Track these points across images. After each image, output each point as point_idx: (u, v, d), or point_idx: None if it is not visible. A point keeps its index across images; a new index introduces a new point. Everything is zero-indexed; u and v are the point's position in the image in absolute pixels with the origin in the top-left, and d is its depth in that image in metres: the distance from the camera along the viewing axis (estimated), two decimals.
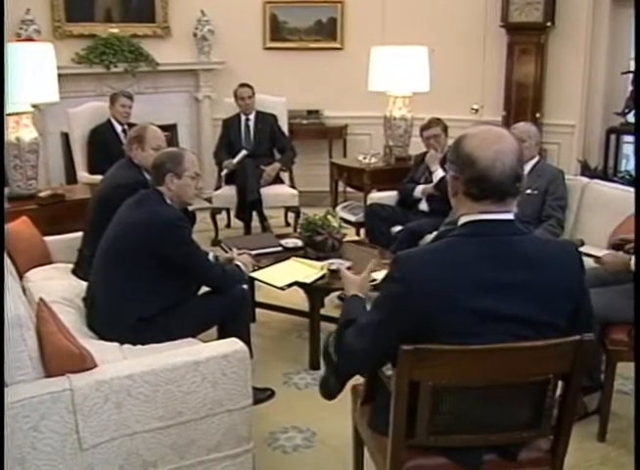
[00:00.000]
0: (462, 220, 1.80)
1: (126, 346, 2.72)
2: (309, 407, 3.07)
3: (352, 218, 4.99)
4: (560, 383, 1.86)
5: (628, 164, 6.31)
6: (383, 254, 3.90)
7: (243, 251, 3.32)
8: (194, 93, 6.90)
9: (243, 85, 5.67)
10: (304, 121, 6.82)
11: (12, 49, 3.81)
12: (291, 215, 5.82)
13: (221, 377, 2.38)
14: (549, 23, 5.96)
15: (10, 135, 3.95)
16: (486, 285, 1.71)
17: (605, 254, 2.89)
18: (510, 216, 1.76)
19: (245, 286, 3.15)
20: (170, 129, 6.57)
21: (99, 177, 4.80)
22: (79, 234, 3.79)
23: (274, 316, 3.99)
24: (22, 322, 2.19)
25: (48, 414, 2.14)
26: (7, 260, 2.84)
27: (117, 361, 2.49)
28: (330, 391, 2.33)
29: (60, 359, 2.22)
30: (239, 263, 3.14)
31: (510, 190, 1.73)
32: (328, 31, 6.94)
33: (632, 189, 4.09)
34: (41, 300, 2.40)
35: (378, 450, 2.03)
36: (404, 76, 5.24)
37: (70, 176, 5.78)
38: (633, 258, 2.74)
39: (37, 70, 3.90)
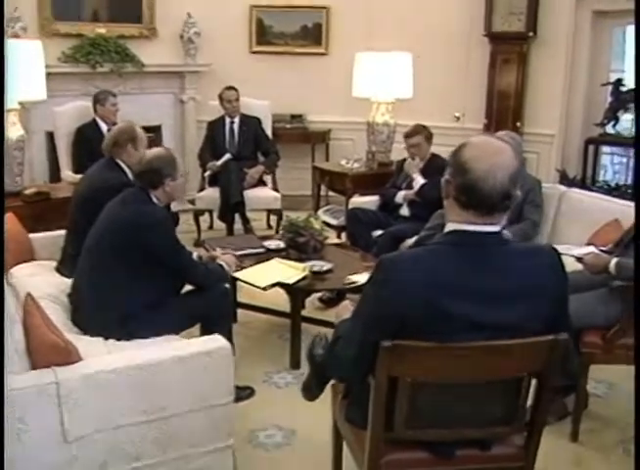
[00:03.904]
0: (448, 227, 1.84)
1: (111, 341, 2.76)
2: (289, 406, 3.12)
3: (334, 222, 5.05)
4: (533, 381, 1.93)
5: (606, 175, 6.45)
6: (364, 257, 3.97)
7: (227, 251, 3.37)
8: (179, 95, 6.93)
9: (229, 88, 5.72)
10: (288, 125, 6.87)
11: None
12: (273, 218, 5.88)
13: (204, 373, 2.42)
14: (531, 34, 6.07)
15: None
16: (469, 293, 1.76)
17: (587, 255, 2.96)
18: (495, 229, 1.80)
19: (227, 285, 3.19)
20: (155, 130, 6.60)
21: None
22: (63, 232, 3.81)
23: (255, 317, 4.03)
24: (10, 316, 2.22)
25: (34, 406, 2.17)
26: None
27: (102, 356, 2.53)
28: (312, 393, 2.41)
29: (46, 352, 2.26)
30: (222, 263, 3.19)
31: (497, 206, 1.76)
32: (313, 37, 7.01)
33: (609, 197, 4.22)
34: (29, 294, 2.43)
35: (356, 444, 2.09)
36: (388, 83, 5.32)
37: (54, 175, 5.78)
38: (614, 259, 2.82)
39: (26, 67, 3.93)
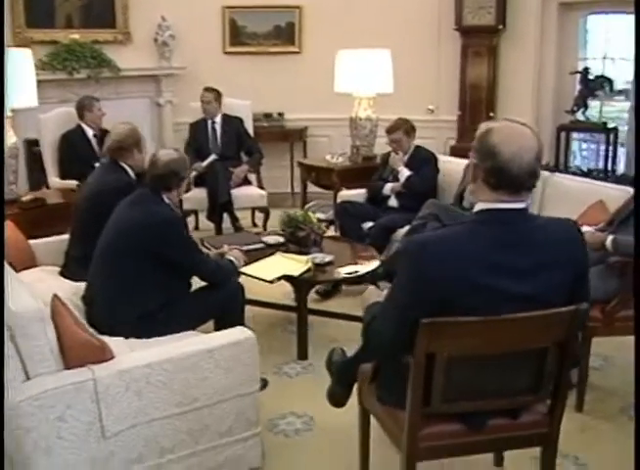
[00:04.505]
0: (478, 207, 1.97)
1: (131, 339, 2.81)
2: (303, 394, 3.22)
3: (323, 217, 5.13)
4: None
5: (575, 160, 6.67)
6: (360, 248, 4.09)
7: (233, 246, 3.44)
8: (155, 98, 6.95)
9: (206, 89, 5.77)
10: (265, 124, 6.94)
11: None
12: (259, 216, 5.95)
13: (232, 363, 2.50)
14: (500, 26, 6.27)
15: None
16: (499, 267, 1.88)
17: (585, 231, 3.10)
18: (522, 205, 1.93)
19: (239, 279, 3.27)
20: None
21: (72, 182, 4.87)
22: (63, 237, 3.84)
23: (257, 311, 4.09)
24: (44, 316, 2.27)
25: (73, 404, 2.23)
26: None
27: (127, 353, 2.58)
28: (339, 399, 2.53)
29: (80, 351, 2.31)
30: (231, 258, 3.26)
31: (525, 184, 1.89)
32: (286, 36, 7.10)
33: (590, 180, 4.41)
34: (55, 296, 2.47)
35: (390, 422, 2.19)
36: (369, 78, 5.44)
37: (34, 182, 5.76)
38: (610, 237, 2.97)
39: (17, 74, 3.93)
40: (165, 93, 6.92)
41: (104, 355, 2.34)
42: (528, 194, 1.96)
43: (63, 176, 5.05)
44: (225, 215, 5.49)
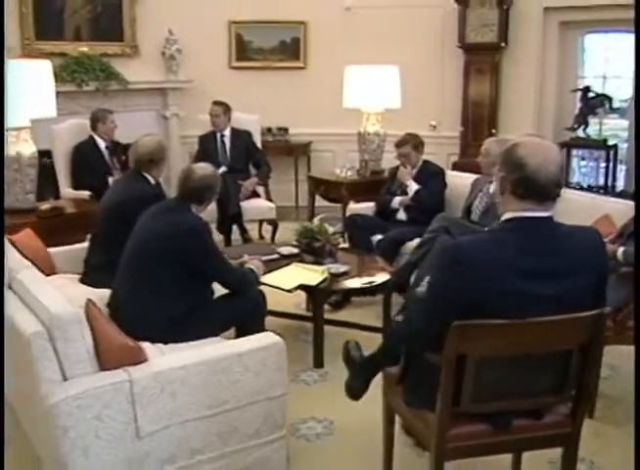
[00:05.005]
0: (506, 216, 2.08)
1: (158, 345, 2.87)
2: (322, 400, 3.29)
3: (331, 230, 5.22)
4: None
5: (576, 177, 6.80)
6: (373, 259, 4.18)
7: (253, 256, 3.53)
8: (161, 111, 7.05)
9: (215, 103, 5.87)
10: (270, 138, 7.04)
11: (12, 66, 3.92)
12: (266, 229, 6.03)
13: (262, 367, 2.57)
14: (503, 44, 6.42)
15: (10, 149, 4.04)
16: (527, 271, 1.99)
17: None
18: (548, 214, 2.05)
19: (261, 288, 3.35)
20: None
21: (84, 193, 4.95)
22: (81, 245, 3.91)
23: (269, 321, 4.16)
24: (81, 319, 2.35)
25: (110, 404, 2.30)
26: (34, 268, 2.95)
27: (158, 357, 2.65)
28: (356, 392, 2.61)
29: (117, 353, 2.38)
30: (252, 267, 3.35)
31: (551, 193, 2.02)
32: (291, 51, 7.22)
33: (596, 195, 4.52)
34: (90, 300, 2.54)
35: (418, 423, 2.27)
36: (378, 94, 5.56)
37: (42, 193, 5.82)
38: (621, 248, 3.08)
39: (36, 86, 4.02)
40: (172, 106, 7.02)
41: (139, 358, 2.41)
42: (553, 204, 2.07)
43: (75, 187, 5.11)
44: (234, 227, 5.57)
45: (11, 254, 3.02)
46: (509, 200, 2.06)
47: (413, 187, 4.86)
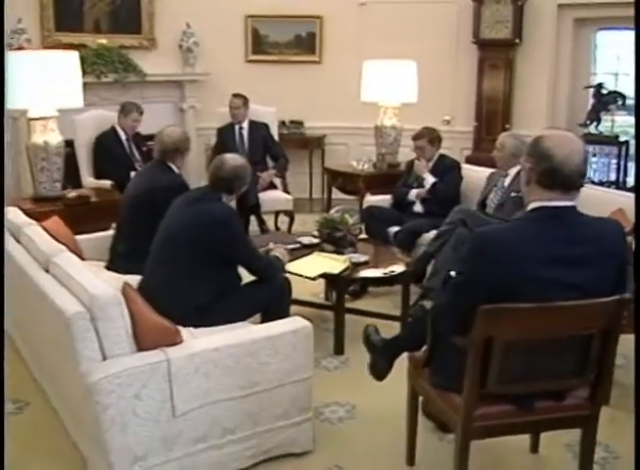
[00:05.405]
0: (532, 206, 2.17)
1: (190, 328, 2.96)
2: (344, 385, 3.39)
3: (351, 220, 5.30)
4: None
5: (589, 172, 6.86)
6: (392, 250, 4.27)
7: (278, 244, 3.62)
8: (178, 103, 7.13)
9: (234, 95, 5.97)
10: (285, 132, 7.11)
11: (39, 56, 4.03)
12: (282, 220, 6.13)
13: (291, 350, 2.67)
14: (517, 40, 6.48)
15: (38, 139, 4.14)
16: (552, 258, 2.08)
17: None
18: (572, 203, 2.14)
19: (286, 275, 3.44)
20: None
21: (106, 182, 5.05)
22: (106, 233, 4.01)
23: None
24: (121, 300, 2.44)
25: (148, 383, 2.40)
26: (68, 252, 3.04)
27: (191, 339, 2.74)
28: (380, 372, 2.72)
29: (154, 334, 2.48)
30: (278, 254, 3.44)
31: (576, 183, 2.11)
32: (307, 45, 7.30)
33: (609, 190, 4.59)
34: (126, 283, 2.64)
35: (444, 404, 2.36)
36: (395, 88, 5.65)
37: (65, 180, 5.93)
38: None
39: (64, 76, 4.11)
40: (189, 98, 7.11)
41: (175, 339, 2.50)
42: (577, 193, 2.16)
43: (97, 176, 5.22)
44: (252, 218, 5.66)
45: (46, 239, 3.11)
46: (535, 190, 2.15)
47: (430, 180, 4.95)
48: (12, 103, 4.13)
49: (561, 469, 2.77)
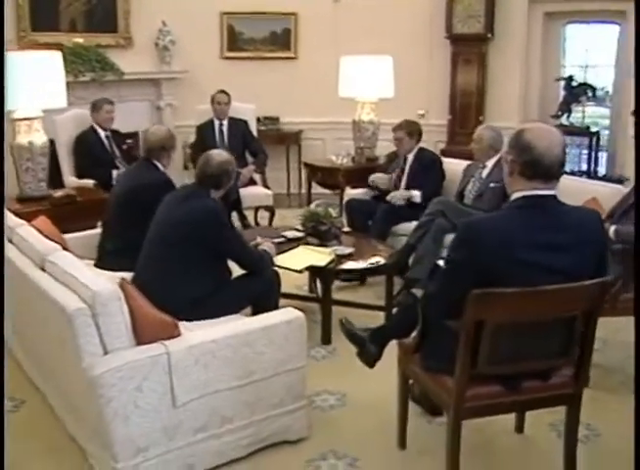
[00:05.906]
0: (515, 195, 2.28)
1: (183, 322, 3.02)
2: (332, 374, 3.48)
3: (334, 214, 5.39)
4: None
5: None
6: (374, 242, 4.37)
7: (265, 239, 3.70)
8: (156, 101, 7.15)
9: (220, 92, 6.02)
10: (262, 128, 7.17)
11: (23, 57, 4.04)
12: (262, 215, 6.20)
13: (285, 341, 2.75)
14: (489, 35, 6.62)
15: (22, 139, 4.16)
16: (537, 244, 2.19)
17: None
18: (553, 192, 2.26)
19: (275, 268, 3.52)
20: (133, 137, 6.79)
21: (89, 181, 5.07)
22: (93, 232, 4.05)
23: None
24: (121, 296, 2.50)
25: (149, 376, 2.46)
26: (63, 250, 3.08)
27: (187, 332, 2.80)
28: (370, 359, 2.82)
29: (154, 328, 2.55)
30: (265, 248, 3.52)
31: (555, 173, 2.23)
32: (282, 42, 7.36)
33: (582, 179, 4.74)
34: (123, 279, 2.70)
35: (436, 386, 2.47)
36: (372, 83, 5.74)
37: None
38: (612, 227, 3.31)
39: (47, 76, 4.13)
40: (166, 96, 7.14)
41: (174, 332, 2.57)
42: (557, 182, 2.27)
43: (79, 176, 5.23)
44: (233, 214, 5.72)
45: (39, 238, 3.15)
46: (517, 180, 2.26)
47: (417, 196, 4.87)
48: None
49: (547, 448, 2.89)
